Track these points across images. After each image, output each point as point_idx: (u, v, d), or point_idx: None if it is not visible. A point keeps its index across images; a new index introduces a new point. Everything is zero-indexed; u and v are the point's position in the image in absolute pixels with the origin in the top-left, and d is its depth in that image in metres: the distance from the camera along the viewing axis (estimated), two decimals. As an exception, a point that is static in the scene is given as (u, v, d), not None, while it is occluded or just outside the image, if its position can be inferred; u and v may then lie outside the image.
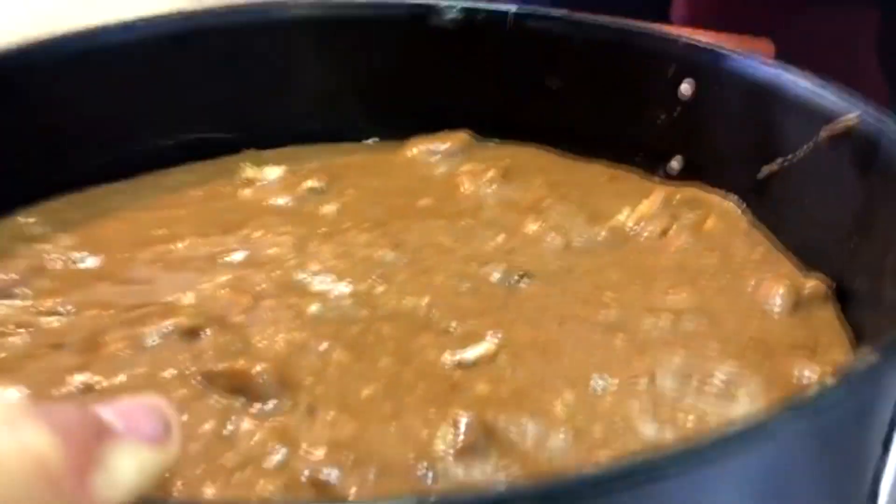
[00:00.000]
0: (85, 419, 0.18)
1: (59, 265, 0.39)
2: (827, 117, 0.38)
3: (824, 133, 0.38)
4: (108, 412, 0.19)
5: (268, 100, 0.52)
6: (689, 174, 0.47)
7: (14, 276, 0.38)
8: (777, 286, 0.37)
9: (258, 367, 0.30)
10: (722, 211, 0.44)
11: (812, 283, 0.37)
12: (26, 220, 0.43)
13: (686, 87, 0.46)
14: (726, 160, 0.45)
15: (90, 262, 0.39)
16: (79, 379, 0.31)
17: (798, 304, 0.36)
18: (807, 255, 0.40)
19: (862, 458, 0.25)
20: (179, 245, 0.40)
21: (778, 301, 0.36)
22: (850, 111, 0.37)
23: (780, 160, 0.41)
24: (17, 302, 0.36)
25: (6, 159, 0.44)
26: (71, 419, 0.18)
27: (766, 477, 0.21)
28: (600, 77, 0.49)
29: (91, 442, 0.18)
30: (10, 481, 0.16)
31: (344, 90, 0.53)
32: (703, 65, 0.45)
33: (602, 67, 0.49)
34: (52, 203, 0.44)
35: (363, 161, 0.51)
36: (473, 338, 0.34)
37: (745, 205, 0.44)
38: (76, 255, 0.40)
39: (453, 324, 0.35)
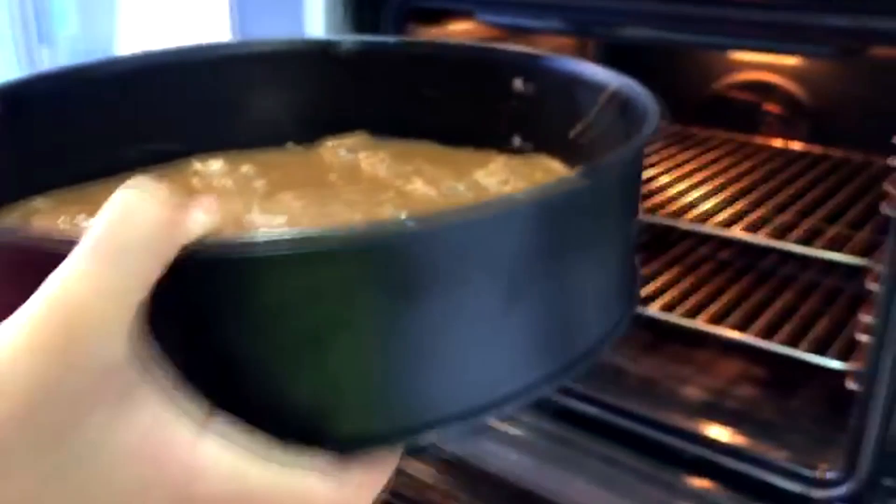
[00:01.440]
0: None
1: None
2: (602, 88, 0.55)
3: (601, 99, 0.55)
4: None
5: (214, 120, 0.67)
6: (532, 149, 0.65)
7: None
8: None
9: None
10: (549, 167, 0.61)
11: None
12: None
13: (520, 84, 0.63)
14: (552, 133, 0.63)
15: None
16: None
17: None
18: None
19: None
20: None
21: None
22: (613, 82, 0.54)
23: (580, 124, 0.59)
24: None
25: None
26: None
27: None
28: (461, 83, 0.66)
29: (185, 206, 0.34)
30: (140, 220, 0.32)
31: (271, 110, 0.69)
32: (530, 65, 0.63)
33: (462, 77, 0.66)
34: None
35: (284, 156, 0.67)
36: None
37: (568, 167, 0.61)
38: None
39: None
